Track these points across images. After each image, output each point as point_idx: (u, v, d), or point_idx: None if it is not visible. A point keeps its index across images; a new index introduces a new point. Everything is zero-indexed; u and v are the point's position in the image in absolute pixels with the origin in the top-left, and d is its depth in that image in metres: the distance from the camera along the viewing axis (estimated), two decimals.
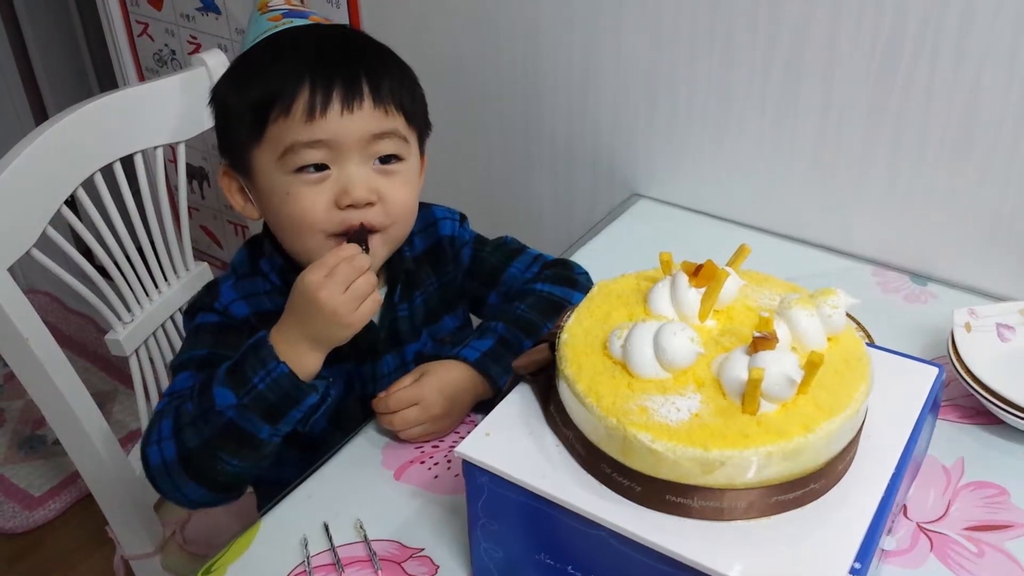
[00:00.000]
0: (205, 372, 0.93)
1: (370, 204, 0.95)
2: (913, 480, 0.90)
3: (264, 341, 0.89)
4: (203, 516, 1.34)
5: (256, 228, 1.11)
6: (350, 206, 0.94)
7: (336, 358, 0.95)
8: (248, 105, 0.95)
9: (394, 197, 0.97)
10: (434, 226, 1.12)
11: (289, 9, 1.02)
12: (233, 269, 1.06)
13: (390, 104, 0.95)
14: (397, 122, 0.97)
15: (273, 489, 1.10)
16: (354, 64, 0.95)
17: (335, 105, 0.92)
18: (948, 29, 1.13)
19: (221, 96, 1.00)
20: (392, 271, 1.05)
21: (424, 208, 1.11)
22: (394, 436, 1.00)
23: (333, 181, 0.94)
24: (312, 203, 0.94)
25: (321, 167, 0.94)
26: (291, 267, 1.02)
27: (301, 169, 0.94)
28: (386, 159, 0.97)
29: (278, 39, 0.98)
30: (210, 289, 1.05)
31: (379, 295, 0.93)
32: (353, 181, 0.94)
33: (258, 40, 0.98)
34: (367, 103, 0.94)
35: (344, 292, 0.88)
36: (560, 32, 1.46)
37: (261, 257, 1.04)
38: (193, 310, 1.04)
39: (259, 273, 1.04)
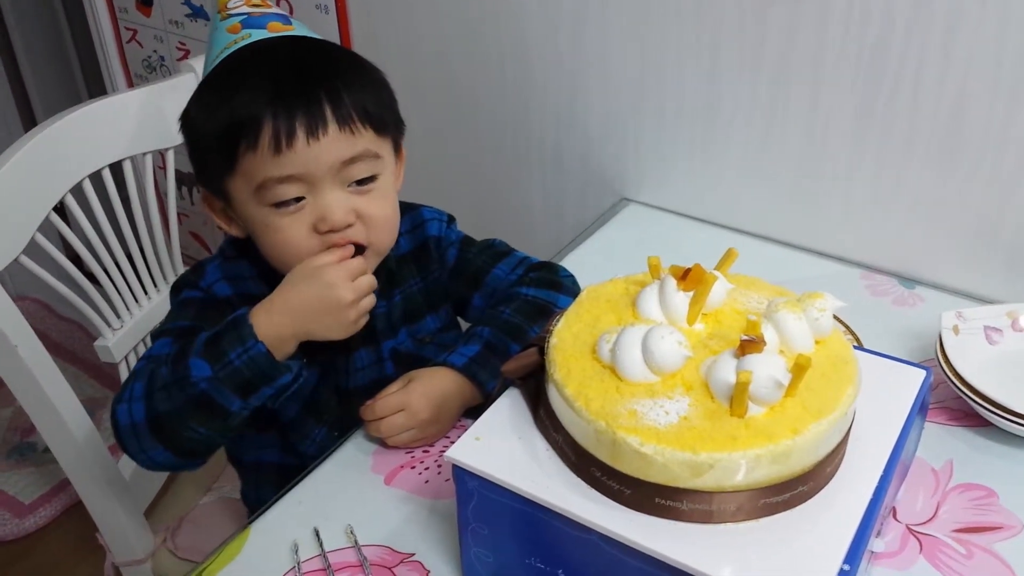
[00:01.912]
0: (184, 341, 0.95)
1: (349, 225, 0.96)
2: (902, 482, 0.91)
3: (244, 319, 0.91)
4: (195, 522, 1.34)
5: None
6: (329, 231, 0.95)
7: (310, 349, 0.96)
8: (216, 136, 0.94)
9: (373, 213, 0.97)
10: (422, 227, 1.12)
11: (247, 15, 0.99)
12: (221, 251, 1.07)
13: (355, 122, 0.94)
14: (366, 139, 0.95)
15: (253, 471, 1.13)
16: (312, 84, 0.93)
17: (299, 135, 0.91)
18: (934, 34, 1.14)
19: (191, 122, 0.98)
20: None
21: (413, 209, 1.11)
22: (384, 442, 1.00)
23: (310, 208, 0.95)
24: (293, 233, 0.95)
25: (298, 199, 0.94)
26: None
27: (277, 204, 0.94)
28: (360, 181, 0.96)
29: (238, 61, 0.96)
30: (196, 268, 1.06)
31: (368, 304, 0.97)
32: (330, 207, 0.94)
33: (219, 58, 0.97)
34: (332, 127, 0.92)
35: (361, 296, 0.95)
36: (548, 39, 1.47)
37: (245, 243, 1.05)
38: (178, 286, 1.05)
39: (244, 257, 1.04)
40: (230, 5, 1.00)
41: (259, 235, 0.97)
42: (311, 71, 0.95)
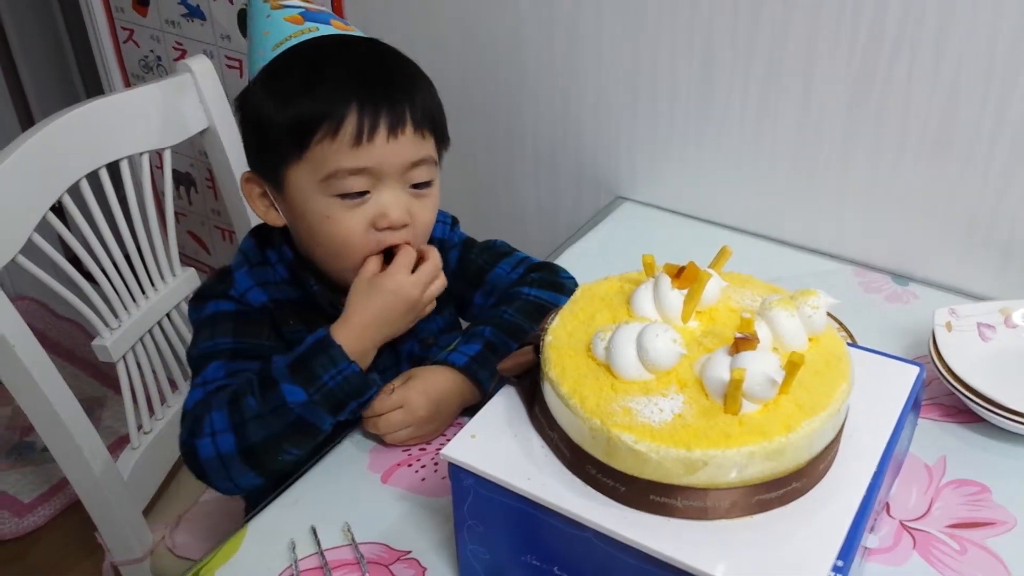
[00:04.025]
0: (237, 362, 0.98)
1: (405, 225, 0.99)
2: (895, 478, 0.91)
3: (331, 340, 0.94)
4: (193, 520, 1.34)
5: (247, 230, 1.11)
6: (387, 228, 0.98)
7: None
8: (290, 123, 0.95)
9: (424, 218, 1.01)
10: None
11: (305, 8, 1.02)
12: (245, 256, 1.07)
13: (425, 126, 0.98)
14: (429, 145, 1.00)
15: None
16: (394, 85, 0.97)
17: (382, 131, 0.95)
18: (926, 30, 1.14)
19: (255, 106, 1.00)
20: None
21: None
22: (381, 440, 1.01)
23: (371, 204, 0.97)
24: (351, 227, 0.97)
25: (363, 193, 0.97)
26: (301, 263, 1.04)
27: (343, 196, 0.96)
28: (418, 185, 0.99)
29: (311, 51, 0.98)
30: (223, 276, 1.06)
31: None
32: (391, 205, 0.97)
33: (283, 47, 0.98)
34: (408, 127, 0.96)
35: (426, 286, 0.99)
36: (542, 37, 1.47)
37: (268, 248, 1.06)
38: (203, 296, 1.05)
39: (267, 263, 1.06)
40: None
41: (313, 224, 0.98)
42: (393, 72, 0.99)
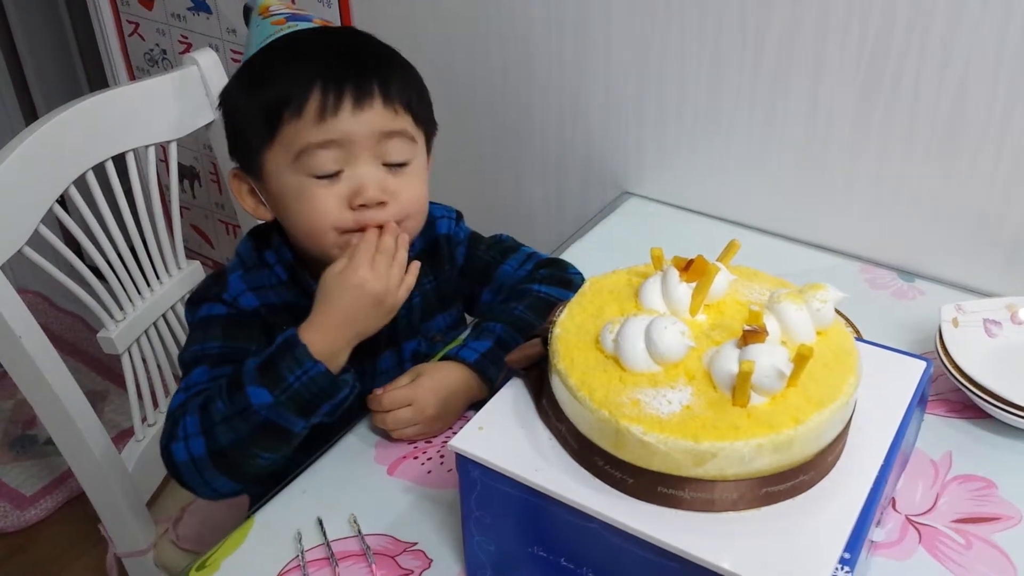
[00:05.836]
0: (222, 367, 0.96)
1: (382, 204, 0.97)
2: (901, 473, 0.91)
3: (297, 340, 0.91)
4: (197, 512, 1.35)
5: (250, 224, 1.11)
6: (363, 205, 0.96)
7: None
8: (259, 108, 0.96)
9: (405, 194, 0.99)
10: (432, 226, 1.12)
11: (291, 13, 1.03)
12: (240, 260, 1.06)
13: (399, 104, 0.97)
14: (406, 122, 0.98)
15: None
16: (364, 64, 0.97)
17: (346, 104, 0.94)
18: (934, 29, 1.14)
19: (231, 99, 1.01)
20: None
21: None
22: (387, 433, 1.01)
23: (345, 181, 0.96)
24: (325, 204, 0.96)
25: (336, 173, 0.96)
26: (300, 262, 1.04)
27: (317, 176, 0.95)
28: (395, 164, 0.98)
29: (285, 42, 0.99)
30: (217, 279, 1.05)
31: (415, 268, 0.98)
32: (365, 181, 0.96)
33: (263, 44, 0.99)
34: (377, 101, 0.95)
35: (388, 278, 0.94)
36: (551, 32, 1.47)
37: (266, 249, 1.05)
38: (198, 299, 1.05)
39: (265, 265, 1.05)
40: (272, 8, 1.04)
41: (291, 205, 0.98)
42: (362, 53, 0.99)
